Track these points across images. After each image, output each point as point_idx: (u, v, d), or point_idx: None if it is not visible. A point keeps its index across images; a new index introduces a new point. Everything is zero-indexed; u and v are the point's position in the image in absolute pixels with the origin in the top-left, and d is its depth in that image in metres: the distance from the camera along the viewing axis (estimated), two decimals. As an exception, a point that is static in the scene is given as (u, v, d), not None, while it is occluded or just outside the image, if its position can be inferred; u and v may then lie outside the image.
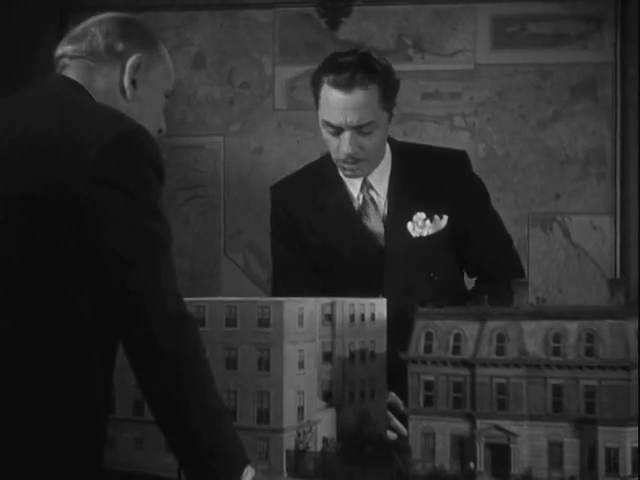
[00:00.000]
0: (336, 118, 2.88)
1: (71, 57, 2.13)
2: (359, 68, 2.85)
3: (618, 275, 4.66)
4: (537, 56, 4.81)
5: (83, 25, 2.16)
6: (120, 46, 2.13)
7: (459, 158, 3.12)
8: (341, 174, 3.06)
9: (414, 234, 3.03)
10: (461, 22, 4.87)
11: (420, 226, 3.03)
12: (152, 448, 2.22)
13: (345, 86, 2.84)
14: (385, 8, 4.91)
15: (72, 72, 2.12)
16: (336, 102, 2.86)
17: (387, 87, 2.90)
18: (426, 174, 3.03)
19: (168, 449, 2.01)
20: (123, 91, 2.14)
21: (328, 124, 2.91)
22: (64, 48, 2.14)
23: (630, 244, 4.70)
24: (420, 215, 3.03)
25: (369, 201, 3.06)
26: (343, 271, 3.06)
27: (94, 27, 2.14)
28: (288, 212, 3.15)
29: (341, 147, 2.91)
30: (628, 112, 4.72)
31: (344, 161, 2.95)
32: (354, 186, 3.07)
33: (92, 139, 1.89)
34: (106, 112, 2.01)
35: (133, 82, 2.14)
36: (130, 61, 2.14)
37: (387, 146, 3.07)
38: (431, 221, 3.02)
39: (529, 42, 4.82)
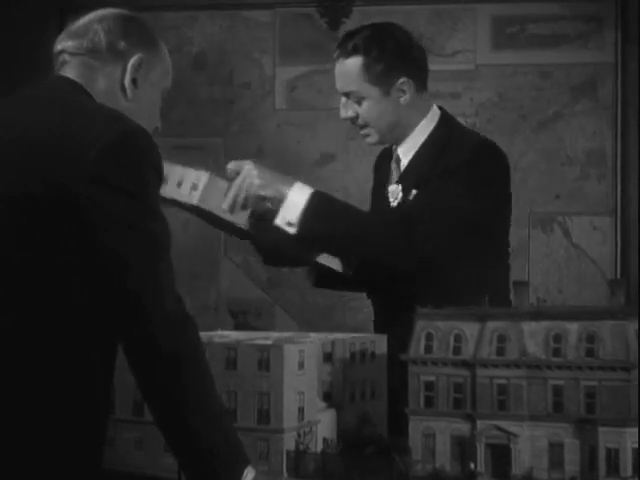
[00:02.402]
0: (336, 84, 3.00)
1: (71, 54, 2.11)
2: (349, 39, 2.97)
3: (618, 276, 4.65)
4: (537, 56, 4.80)
5: (84, 21, 2.14)
6: (122, 45, 2.12)
7: (475, 149, 2.96)
8: None
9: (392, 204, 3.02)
10: (461, 22, 4.87)
11: (395, 197, 3.03)
12: (152, 449, 2.22)
13: (337, 55, 2.97)
14: (385, 8, 4.91)
15: (72, 69, 2.11)
16: (335, 69, 3.00)
17: (373, 60, 2.94)
18: (439, 156, 2.96)
19: (168, 450, 2.01)
20: (124, 90, 2.14)
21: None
22: (64, 44, 2.12)
23: (630, 244, 4.70)
24: (395, 187, 3.03)
25: (394, 173, 3.07)
26: None
27: (96, 24, 2.12)
28: (374, 176, 3.27)
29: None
30: (628, 112, 4.72)
31: (351, 123, 3.01)
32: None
33: (92, 139, 1.89)
34: (106, 112, 2.00)
35: (134, 81, 2.14)
36: (132, 61, 2.13)
37: (435, 120, 3.03)
38: (405, 194, 3.00)
39: (529, 42, 4.82)
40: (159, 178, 1.97)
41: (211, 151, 5.02)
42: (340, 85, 2.97)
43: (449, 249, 2.79)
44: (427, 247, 2.78)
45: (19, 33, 4.98)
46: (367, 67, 2.92)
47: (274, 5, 5.00)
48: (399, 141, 3.03)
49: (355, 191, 4.71)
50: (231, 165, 2.79)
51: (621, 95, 4.73)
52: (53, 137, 1.91)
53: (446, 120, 3.08)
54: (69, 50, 2.12)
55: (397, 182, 3.03)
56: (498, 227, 3.00)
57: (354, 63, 2.93)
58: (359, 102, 2.95)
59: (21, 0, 5.03)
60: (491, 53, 4.85)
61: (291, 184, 2.76)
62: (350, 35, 2.99)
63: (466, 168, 2.88)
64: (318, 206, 2.75)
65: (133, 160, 1.92)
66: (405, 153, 3.03)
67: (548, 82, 4.81)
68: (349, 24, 4.93)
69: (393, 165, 3.07)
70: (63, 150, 1.89)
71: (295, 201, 2.74)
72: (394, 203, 3.00)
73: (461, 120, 4.85)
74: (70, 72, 2.10)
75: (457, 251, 2.79)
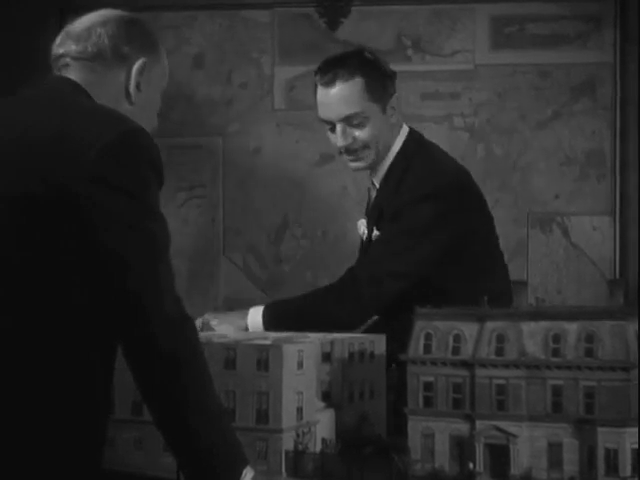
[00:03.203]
0: (325, 113, 2.97)
1: (75, 58, 2.10)
2: (340, 64, 2.96)
3: (617, 276, 4.65)
4: (536, 56, 4.80)
5: (86, 23, 2.13)
6: (126, 50, 2.12)
7: (432, 180, 2.96)
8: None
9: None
10: (460, 22, 4.87)
11: (361, 233, 3.11)
12: (152, 449, 2.22)
13: (329, 82, 2.94)
14: (384, 8, 4.91)
15: (75, 73, 2.10)
16: (323, 98, 2.97)
17: (372, 79, 2.95)
18: (395, 191, 2.98)
19: (167, 449, 2.01)
20: (128, 95, 2.14)
21: (323, 121, 3.00)
22: (67, 47, 2.12)
23: (629, 245, 4.70)
24: (362, 221, 3.11)
25: (368, 203, 3.10)
26: None
27: (99, 27, 2.12)
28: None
29: (336, 140, 2.97)
30: (628, 112, 4.72)
31: (343, 154, 3.00)
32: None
33: (92, 139, 1.89)
34: (106, 112, 2.00)
35: (137, 85, 2.14)
36: (136, 66, 2.13)
37: (400, 144, 3.04)
38: (369, 232, 3.04)
39: (528, 42, 4.82)
40: (159, 178, 1.97)
41: (210, 151, 5.02)
42: (339, 110, 2.93)
43: (394, 298, 2.89)
44: (375, 306, 2.92)
45: (19, 33, 4.98)
46: (368, 85, 2.94)
47: (273, 5, 5.00)
48: (377, 165, 3.02)
49: (354, 191, 4.71)
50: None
51: (620, 95, 4.73)
52: (53, 137, 1.91)
53: (410, 143, 3.05)
54: (72, 54, 2.11)
55: (365, 214, 3.11)
56: (474, 249, 2.99)
57: (355, 84, 2.93)
58: (361, 124, 2.93)
59: (21, 0, 5.03)
60: (490, 53, 4.85)
61: (246, 314, 2.88)
62: (338, 62, 2.96)
63: (413, 208, 2.91)
64: (272, 315, 2.86)
65: (133, 160, 1.92)
66: (377, 179, 3.05)
67: (547, 82, 4.81)
68: (348, 24, 4.94)
69: (372, 193, 3.10)
70: (63, 150, 1.89)
71: (256, 324, 2.86)
72: (363, 237, 3.09)
73: (460, 120, 4.90)
74: (73, 76, 2.10)
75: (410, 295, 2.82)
